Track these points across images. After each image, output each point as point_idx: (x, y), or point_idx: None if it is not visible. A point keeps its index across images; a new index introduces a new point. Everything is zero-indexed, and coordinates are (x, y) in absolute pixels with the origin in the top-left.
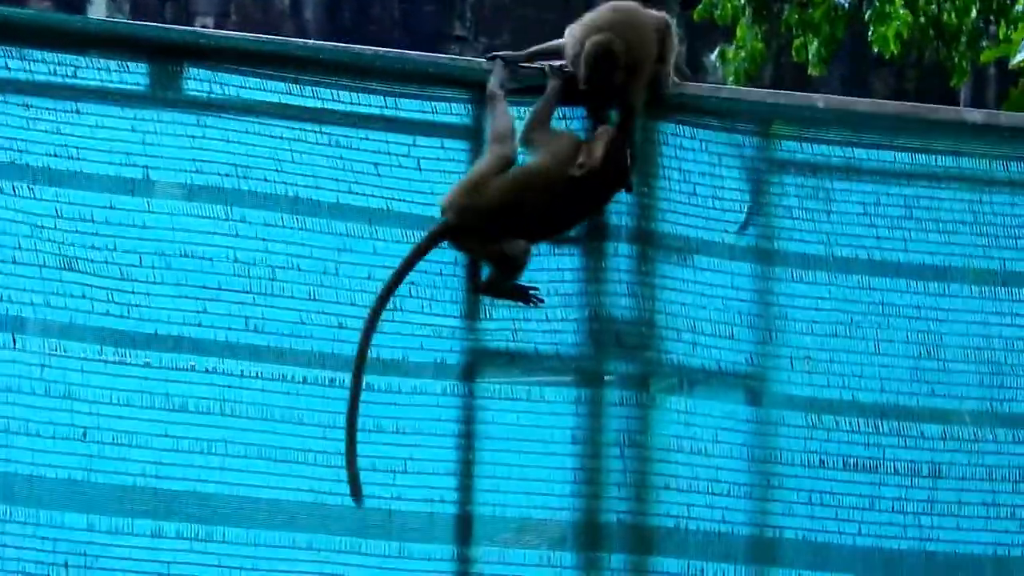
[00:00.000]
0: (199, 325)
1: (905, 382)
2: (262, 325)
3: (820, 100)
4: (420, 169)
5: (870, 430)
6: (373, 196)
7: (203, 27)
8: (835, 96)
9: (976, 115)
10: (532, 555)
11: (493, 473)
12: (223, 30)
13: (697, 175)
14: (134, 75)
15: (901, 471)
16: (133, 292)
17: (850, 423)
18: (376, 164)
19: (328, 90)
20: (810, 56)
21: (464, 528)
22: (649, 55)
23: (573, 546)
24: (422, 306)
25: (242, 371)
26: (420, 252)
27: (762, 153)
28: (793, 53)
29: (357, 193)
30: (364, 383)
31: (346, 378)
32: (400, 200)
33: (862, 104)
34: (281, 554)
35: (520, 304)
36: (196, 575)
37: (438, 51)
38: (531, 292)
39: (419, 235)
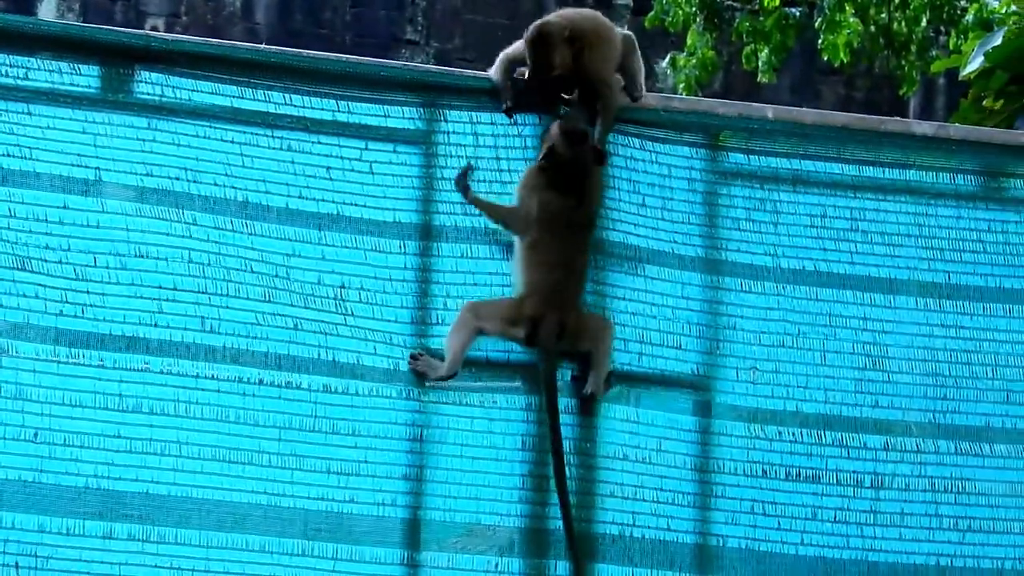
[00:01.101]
0: (154, 325)
1: (849, 393)
2: (217, 326)
3: (769, 111)
4: (372, 173)
5: (813, 440)
6: (324, 201)
7: (154, 28)
8: (784, 107)
9: (924, 127)
10: (480, 561)
11: (444, 478)
12: (174, 31)
13: (647, 186)
14: (85, 77)
15: (844, 481)
16: (87, 292)
17: (793, 433)
18: (328, 168)
19: (280, 94)
20: (760, 64)
21: (414, 532)
22: (608, 41)
23: (520, 552)
24: (374, 311)
25: (197, 372)
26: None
27: (711, 165)
28: (743, 61)
29: (308, 198)
30: (321, 385)
31: (301, 380)
32: (351, 204)
33: (810, 115)
34: (233, 556)
35: None
36: None
37: (390, 55)
38: None
39: (368, 240)
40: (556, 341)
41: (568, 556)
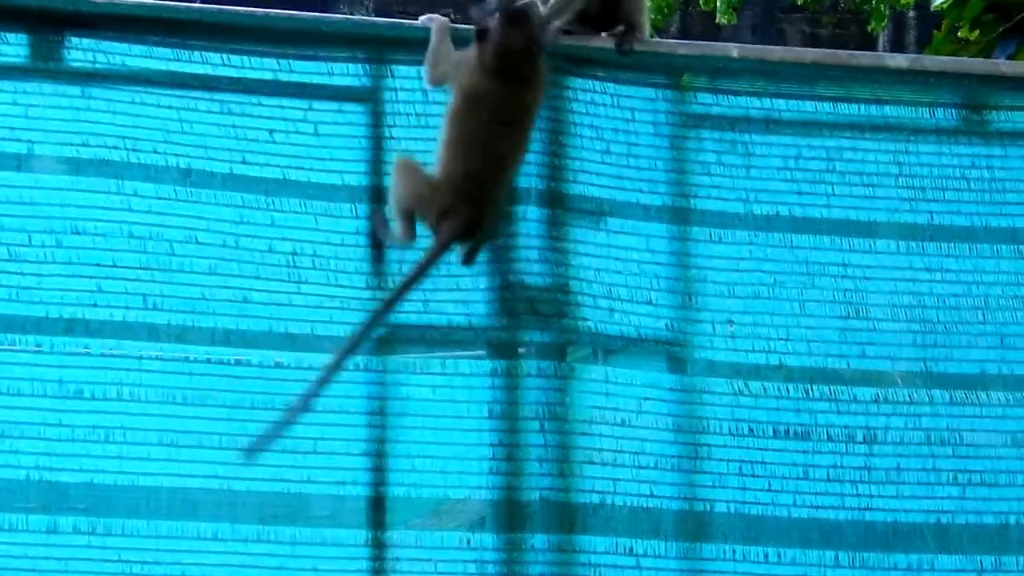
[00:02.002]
0: (93, 305)
1: (834, 344)
2: (161, 303)
3: (735, 49)
4: (317, 135)
5: (800, 395)
6: (269, 165)
7: None
8: (750, 45)
9: (899, 60)
10: (450, 538)
11: (407, 452)
12: None
13: (610, 132)
14: (13, 47)
15: (835, 437)
16: (21, 273)
17: (778, 389)
18: (271, 131)
19: (217, 55)
20: (719, 3)
21: (378, 512)
22: None
23: (493, 527)
24: (327, 278)
25: (140, 353)
26: (437, 255)
27: (677, 107)
28: (700, 2)
29: (252, 163)
30: (272, 360)
31: (252, 355)
32: (298, 168)
33: (778, 52)
34: (185, 545)
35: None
36: (95, 571)
37: (328, 8)
38: None
39: (318, 205)
40: (459, 239)
41: None
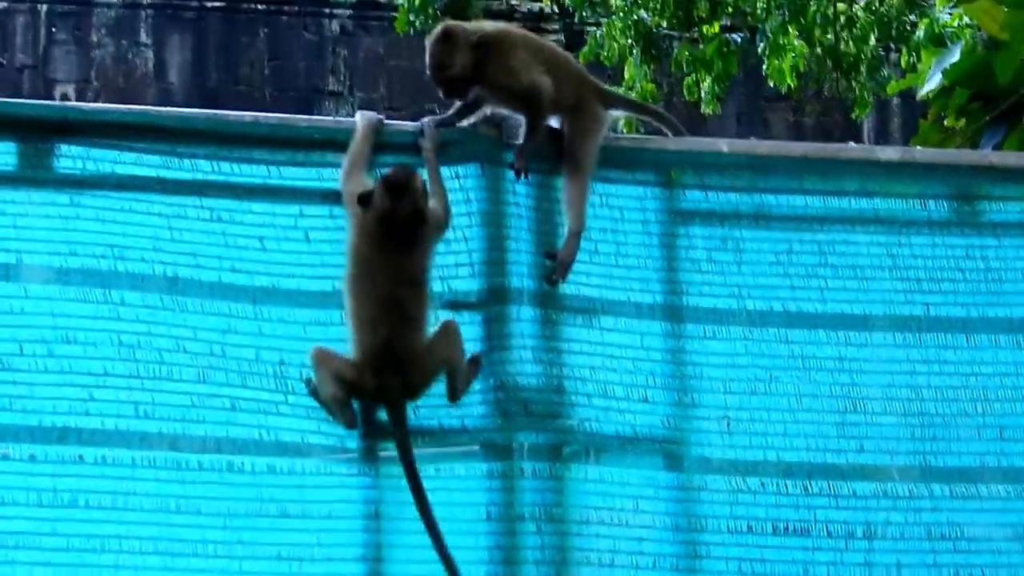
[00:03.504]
0: (86, 414)
1: (832, 439)
2: (152, 411)
3: (723, 144)
4: (308, 240)
5: (798, 491)
6: (259, 273)
7: (64, 95)
8: (739, 140)
9: (889, 152)
10: None
11: (405, 557)
12: (85, 97)
13: (598, 231)
14: (2, 155)
15: (834, 533)
16: (14, 383)
17: (777, 485)
18: (261, 239)
19: (207, 161)
20: (703, 94)
21: None
22: (520, 47)
23: None
24: None
25: (133, 460)
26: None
27: (666, 204)
28: (685, 92)
29: (241, 271)
30: (265, 466)
31: (244, 461)
32: (288, 276)
33: (766, 146)
34: None
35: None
36: None
37: (312, 108)
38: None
39: (307, 313)
40: (406, 398)
41: None
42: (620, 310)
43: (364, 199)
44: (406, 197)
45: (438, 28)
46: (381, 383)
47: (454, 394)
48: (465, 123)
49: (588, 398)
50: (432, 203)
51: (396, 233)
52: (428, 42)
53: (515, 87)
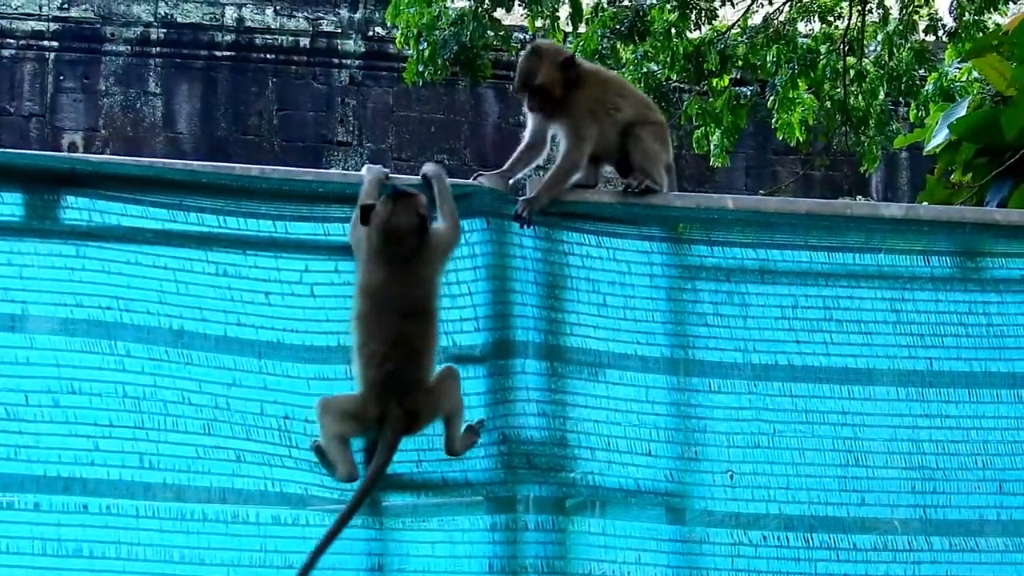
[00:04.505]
0: (91, 464)
1: (834, 492)
2: (156, 461)
3: (730, 200)
4: (314, 296)
5: (800, 544)
6: (263, 328)
7: (72, 144)
8: (745, 196)
9: (893, 209)
10: None
11: None
12: (93, 146)
13: (606, 284)
14: (8, 206)
15: None
16: (20, 432)
17: (778, 538)
18: (267, 294)
19: (214, 216)
20: (712, 147)
21: None
22: (605, 84)
23: None
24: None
25: (138, 510)
26: (388, 456)
27: (673, 259)
28: (694, 145)
29: (246, 325)
30: (270, 517)
31: (248, 512)
32: (292, 331)
33: (772, 203)
34: None
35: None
36: None
37: (321, 158)
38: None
39: (311, 368)
40: (406, 432)
41: None
42: (626, 363)
43: (367, 211)
44: (408, 204)
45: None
46: (383, 410)
47: (451, 445)
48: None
49: (592, 451)
50: (438, 223)
51: (399, 245)
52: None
53: (583, 123)
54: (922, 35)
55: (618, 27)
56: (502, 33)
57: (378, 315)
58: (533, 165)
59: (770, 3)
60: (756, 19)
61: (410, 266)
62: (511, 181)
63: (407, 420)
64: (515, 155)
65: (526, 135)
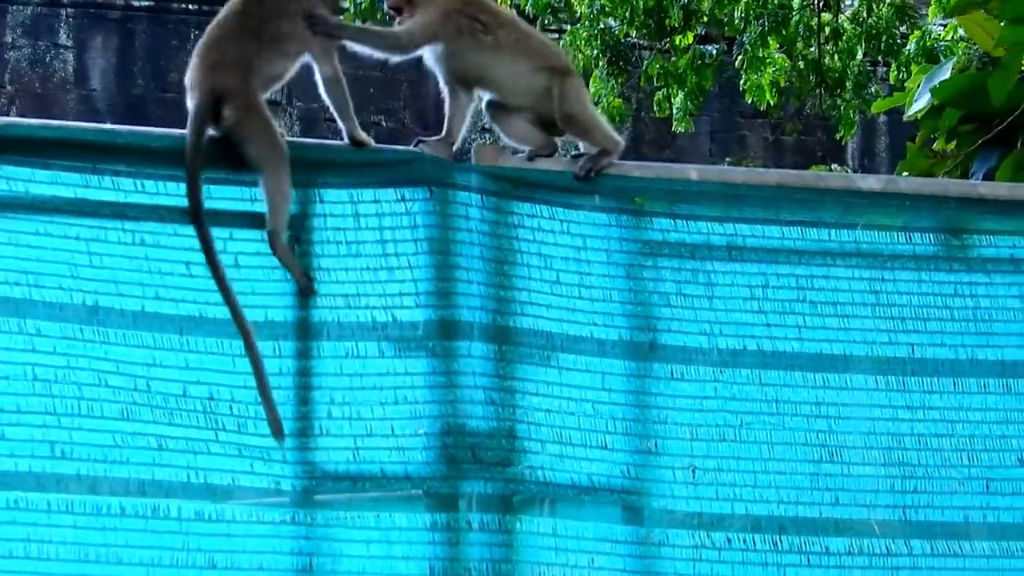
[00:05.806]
0: None
1: (805, 490)
2: (70, 450)
3: (693, 171)
4: (239, 266)
5: (768, 547)
6: (184, 301)
7: None
8: (710, 167)
9: (871, 181)
10: None
11: None
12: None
13: (560, 260)
14: None
15: None
16: None
17: (744, 540)
18: (187, 263)
19: (130, 180)
20: (675, 110)
21: None
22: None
23: None
24: (248, 425)
25: (49, 504)
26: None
27: (633, 233)
28: (655, 108)
29: (165, 299)
30: (193, 512)
31: (170, 506)
32: (216, 304)
33: (740, 174)
34: None
35: None
36: None
37: None
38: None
39: (237, 344)
40: (209, 121)
41: None
42: (581, 347)
43: None
44: None
45: None
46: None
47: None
48: None
49: (542, 444)
50: None
51: None
52: None
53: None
54: None
55: None
56: None
57: None
58: (469, 117)
59: None
60: None
61: None
62: (455, 147)
63: (210, 102)
64: (447, 114)
65: (441, 86)
